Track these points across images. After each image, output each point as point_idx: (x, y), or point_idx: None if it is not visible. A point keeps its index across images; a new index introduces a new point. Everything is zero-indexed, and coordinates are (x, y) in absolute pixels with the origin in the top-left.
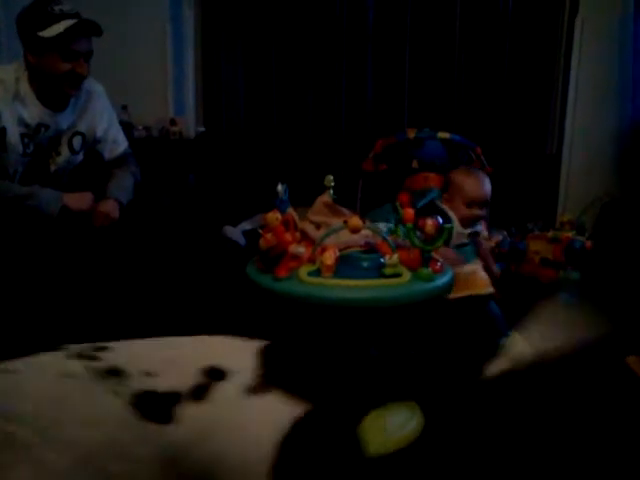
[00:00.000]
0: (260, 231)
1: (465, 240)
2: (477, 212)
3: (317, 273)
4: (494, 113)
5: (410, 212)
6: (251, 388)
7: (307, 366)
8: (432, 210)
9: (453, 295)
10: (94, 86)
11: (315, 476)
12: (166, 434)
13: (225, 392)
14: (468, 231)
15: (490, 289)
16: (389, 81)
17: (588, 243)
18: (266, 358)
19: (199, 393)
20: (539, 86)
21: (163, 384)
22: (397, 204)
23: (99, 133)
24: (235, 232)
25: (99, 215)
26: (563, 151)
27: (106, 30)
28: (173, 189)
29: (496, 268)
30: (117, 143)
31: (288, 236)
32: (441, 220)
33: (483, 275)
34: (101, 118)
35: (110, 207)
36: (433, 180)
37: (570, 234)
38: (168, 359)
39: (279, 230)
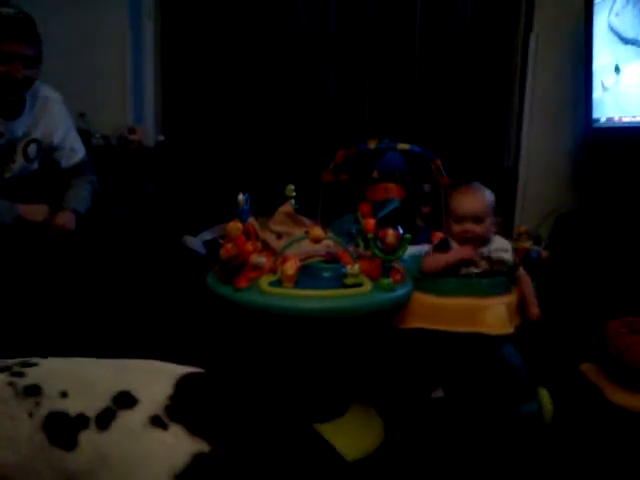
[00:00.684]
0: (221, 241)
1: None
2: (468, 227)
3: (278, 283)
4: (453, 125)
5: (371, 222)
6: (155, 420)
7: (215, 404)
8: (393, 220)
9: (453, 328)
10: (50, 93)
11: None
12: (68, 461)
13: (129, 421)
14: (485, 252)
15: (505, 330)
16: (350, 92)
17: (544, 253)
18: (178, 389)
19: (104, 420)
20: (496, 100)
21: (74, 407)
22: (358, 214)
23: (56, 141)
24: (195, 242)
25: (55, 227)
26: (520, 164)
27: (64, 36)
28: (132, 198)
29: (537, 309)
30: (74, 151)
31: (249, 246)
32: (401, 231)
33: (500, 312)
34: (58, 126)
35: (66, 219)
36: (393, 190)
37: (527, 244)
38: (84, 380)
39: (240, 240)
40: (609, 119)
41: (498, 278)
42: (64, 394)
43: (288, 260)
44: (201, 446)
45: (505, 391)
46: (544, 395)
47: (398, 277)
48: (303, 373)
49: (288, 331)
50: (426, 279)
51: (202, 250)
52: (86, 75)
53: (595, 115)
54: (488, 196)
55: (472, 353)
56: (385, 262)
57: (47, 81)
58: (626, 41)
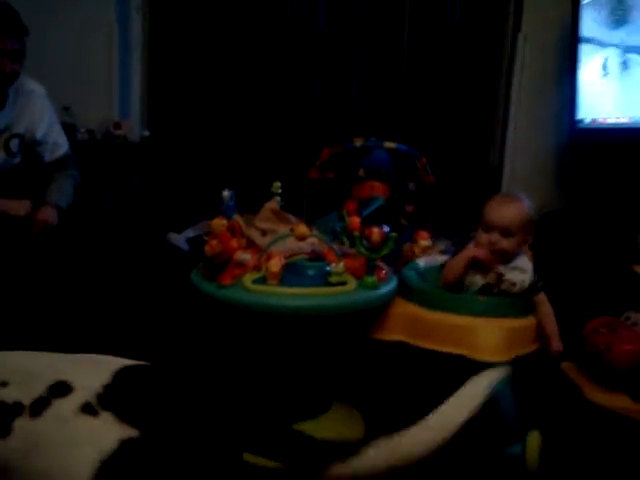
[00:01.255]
0: (205, 238)
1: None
2: (494, 238)
3: (262, 281)
4: (440, 124)
5: (356, 220)
6: (85, 408)
7: (148, 393)
8: (379, 218)
9: (436, 346)
10: (34, 87)
11: None
12: (3, 447)
13: (60, 409)
14: (500, 270)
15: (496, 358)
16: (337, 90)
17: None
18: (115, 379)
19: (38, 407)
20: (483, 99)
21: (12, 395)
22: (343, 212)
23: (39, 135)
24: (180, 239)
25: (37, 223)
26: (505, 163)
27: (50, 29)
28: (117, 193)
29: (558, 340)
30: (58, 145)
31: (234, 243)
32: (387, 229)
33: (494, 336)
34: (41, 120)
35: (49, 214)
36: (379, 189)
37: None
38: (26, 371)
39: (225, 237)
40: (593, 120)
41: (500, 298)
42: (4, 384)
43: (273, 257)
44: (130, 432)
45: (486, 428)
46: (533, 439)
47: (382, 275)
48: (287, 370)
49: (272, 329)
50: (421, 291)
51: (186, 247)
52: (71, 68)
53: (580, 116)
54: (526, 210)
55: (454, 378)
56: (370, 260)
57: (32, 74)
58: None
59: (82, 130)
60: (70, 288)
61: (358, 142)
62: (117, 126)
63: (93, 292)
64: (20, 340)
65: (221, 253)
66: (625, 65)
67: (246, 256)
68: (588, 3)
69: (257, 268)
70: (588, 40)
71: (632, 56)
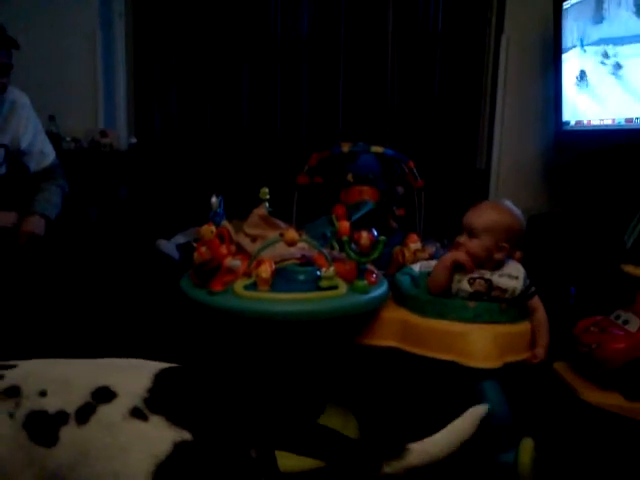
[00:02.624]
0: (194, 244)
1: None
2: (461, 238)
3: (253, 287)
4: (426, 128)
5: (345, 225)
6: (134, 412)
7: (194, 394)
8: (368, 223)
9: (424, 351)
10: (18, 97)
11: None
12: (50, 457)
13: (108, 415)
14: (475, 275)
15: (486, 364)
16: (324, 95)
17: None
18: (157, 382)
19: (84, 415)
20: (468, 103)
21: (53, 405)
22: (332, 217)
23: (24, 145)
24: (169, 246)
25: (23, 234)
26: (492, 166)
27: (34, 38)
28: (105, 202)
29: (542, 350)
30: (44, 155)
31: (223, 249)
32: (376, 233)
33: (483, 342)
34: (26, 130)
35: (35, 224)
36: (367, 193)
37: None
38: (63, 379)
39: (214, 243)
40: (578, 122)
41: (491, 304)
42: (43, 393)
43: (263, 263)
44: (183, 435)
45: (478, 436)
46: (526, 447)
47: (373, 279)
48: (280, 375)
49: (264, 334)
50: (413, 297)
51: (176, 254)
52: (55, 76)
53: (565, 118)
54: (498, 216)
55: (446, 384)
56: (360, 264)
57: (16, 83)
58: None
59: (68, 139)
60: (59, 298)
61: (345, 147)
62: (103, 134)
63: (82, 301)
64: (8, 350)
65: (211, 260)
66: (608, 67)
67: (236, 262)
68: (571, 4)
69: (247, 274)
70: (571, 42)
71: (615, 58)
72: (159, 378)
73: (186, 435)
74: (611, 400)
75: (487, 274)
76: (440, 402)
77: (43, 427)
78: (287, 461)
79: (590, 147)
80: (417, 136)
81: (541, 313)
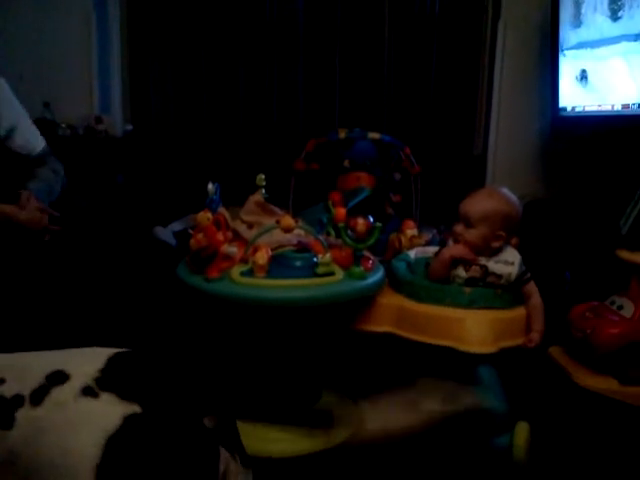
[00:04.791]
0: (191, 231)
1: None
2: (457, 228)
3: (250, 273)
4: (423, 114)
5: (342, 211)
6: (85, 391)
7: (144, 372)
8: (365, 209)
9: (424, 338)
10: None
11: (137, 474)
12: (7, 438)
13: (61, 395)
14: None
15: (481, 349)
16: (320, 81)
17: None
18: (109, 364)
19: (38, 396)
20: (465, 89)
21: (10, 390)
22: (329, 203)
23: (5, 126)
24: (165, 233)
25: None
26: (488, 152)
27: (26, 24)
28: (101, 189)
29: (537, 335)
30: (31, 139)
31: (220, 236)
32: (372, 219)
33: (479, 327)
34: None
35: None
36: (364, 180)
37: None
38: (21, 366)
39: (210, 230)
40: (575, 108)
41: (486, 290)
42: (2, 381)
43: (259, 250)
44: (132, 408)
45: (473, 420)
46: (521, 430)
47: (369, 265)
48: (276, 361)
49: (261, 320)
50: (408, 282)
51: (172, 241)
52: (50, 63)
53: (561, 104)
54: (494, 204)
55: (443, 369)
56: (356, 251)
57: (9, 70)
58: None
59: (63, 126)
60: (56, 285)
61: (342, 133)
62: (99, 120)
63: (78, 288)
64: (3, 340)
65: (207, 247)
66: (606, 52)
67: (233, 249)
68: None
69: (244, 261)
70: (569, 28)
71: (613, 44)
72: (112, 360)
73: (136, 408)
74: (605, 384)
75: (483, 260)
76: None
77: (1, 411)
78: (280, 445)
79: (587, 133)
80: (414, 122)
81: (536, 298)
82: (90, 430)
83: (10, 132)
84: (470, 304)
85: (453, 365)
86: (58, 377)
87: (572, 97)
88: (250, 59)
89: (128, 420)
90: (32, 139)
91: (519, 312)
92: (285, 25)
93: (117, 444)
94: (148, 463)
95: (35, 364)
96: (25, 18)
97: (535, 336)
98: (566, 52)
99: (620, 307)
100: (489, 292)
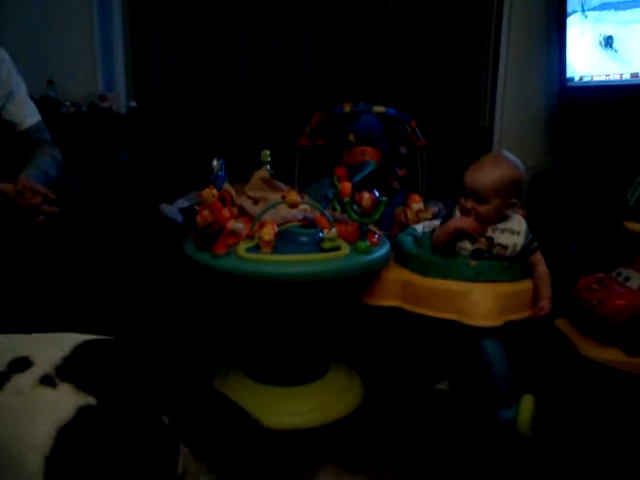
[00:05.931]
0: (196, 208)
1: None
2: (470, 205)
3: (256, 249)
4: (428, 87)
5: (347, 186)
6: (44, 380)
7: (106, 363)
8: (371, 183)
9: (430, 312)
10: None
11: (88, 466)
12: None
13: (20, 383)
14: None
15: (486, 322)
16: (324, 55)
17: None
18: (74, 353)
19: None
20: (471, 60)
21: None
22: (334, 178)
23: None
24: (172, 209)
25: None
26: (495, 124)
27: (29, 2)
28: (105, 167)
29: (547, 302)
30: (26, 110)
31: (225, 212)
32: (377, 193)
33: (484, 300)
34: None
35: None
36: (370, 154)
37: None
38: None
39: (216, 206)
40: (582, 78)
41: (492, 263)
42: None
43: (265, 226)
44: (87, 400)
45: (479, 389)
46: (526, 403)
47: (375, 239)
48: (283, 336)
49: (267, 296)
50: (414, 256)
51: (179, 217)
52: (52, 40)
53: (569, 74)
54: (503, 173)
55: (449, 342)
56: (361, 225)
57: (12, 48)
58: None
59: (67, 103)
60: (63, 263)
61: (347, 107)
62: (103, 98)
63: (85, 266)
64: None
65: (213, 223)
66: (614, 22)
67: (239, 225)
68: None
69: (250, 237)
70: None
71: (620, 13)
72: (78, 349)
73: (90, 400)
74: (611, 355)
75: (489, 231)
76: (443, 360)
77: None
78: (280, 419)
79: (595, 103)
80: (419, 95)
81: (542, 266)
82: (43, 420)
83: (6, 101)
84: (477, 277)
85: (458, 339)
86: (21, 364)
87: (594, 64)
88: (253, 33)
89: (81, 411)
90: (27, 110)
91: (525, 285)
92: None
93: (68, 435)
94: (99, 456)
95: (3, 349)
96: None
97: (545, 303)
98: (587, 13)
99: (627, 279)
100: (496, 265)
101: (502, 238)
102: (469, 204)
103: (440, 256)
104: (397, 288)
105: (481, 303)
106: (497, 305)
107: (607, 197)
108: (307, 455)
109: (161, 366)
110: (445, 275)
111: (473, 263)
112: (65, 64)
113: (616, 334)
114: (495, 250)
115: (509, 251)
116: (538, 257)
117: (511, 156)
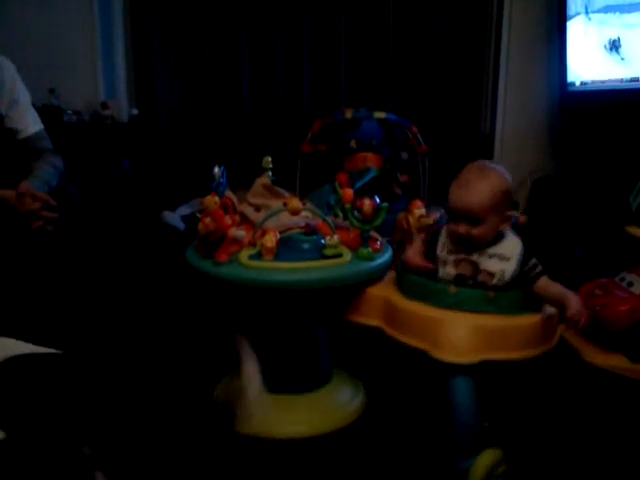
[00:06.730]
0: (198, 215)
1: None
2: (462, 229)
3: (258, 256)
4: (429, 93)
5: (349, 192)
6: None
7: (19, 393)
8: (372, 189)
9: (403, 338)
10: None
11: None
12: None
13: None
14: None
15: (457, 359)
16: (325, 62)
17: (522, 218)
18: None
19: None
20: (472, 66)
21: None
22: (336, 185)
23: (4, 102)
24: (174, 217)
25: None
26: (496, 129)
27: (30, 10)
28: (107, 175)
29: (575, 315)
30: (28, 119)
31: (227, 220)
32: (378, 200)
33: (458, 333)
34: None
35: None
36: (371, 160)
37: None
38: None
39: (218, 214)
40: (583, 83)
41: (475, 290)
42: None
43: (267, 233)
44: None
45: (441, 431)
46: (484, 459)
47: (377, 246)
48: (286, 344)
49: (269, 304)
50: (398, 274)
51: (181, 225)
52: (54, 49)
53: (569, 79)
54: (494, 185)
55: (421, 374)
56: (363, 232)
57: (15, 57)
58: None
59: (69, 112)
60: (64, 270)
61: (348, 113)
62: (104, 106)
63: (86, 274)
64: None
65: (215, 230)
66: (618, 25)
67: (241, 232)
68: None
69: (252, 244)
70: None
71: (620, 16)
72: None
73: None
74: (615, 362)
75: (475, 255)
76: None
77: None
78: (280, 428)
79: (596, 107)
80: (420, 101)
81: (553, 288)
82: None
83: (9, 108)
84: (456, 305)
85: (430, 372)
86: None
87: (598, 68)
88: (254, 40)
89: None
90: (29, 118)
91: (519, 321)
92: (289, 4)
93: None
94: None
95: None
96: (29, 5)
97: (575, 315)
98: (591, 16)
99: (630, 284)
100: (478, 293)
101: (489, 264)
102: (462, 229)
103: (424, 277)
104: (378, 307)
105: (454, 335)
106: (473, 339)
107: (609, 202)
108: (309, 464)
109: (91, 390)
110: (424, 299)
111: (453, 290)
112: (67, 72)
113: (620, 340)
114: (480, 277)
115: (496, 279)
116: (544, 283)
117: (494, 164)
